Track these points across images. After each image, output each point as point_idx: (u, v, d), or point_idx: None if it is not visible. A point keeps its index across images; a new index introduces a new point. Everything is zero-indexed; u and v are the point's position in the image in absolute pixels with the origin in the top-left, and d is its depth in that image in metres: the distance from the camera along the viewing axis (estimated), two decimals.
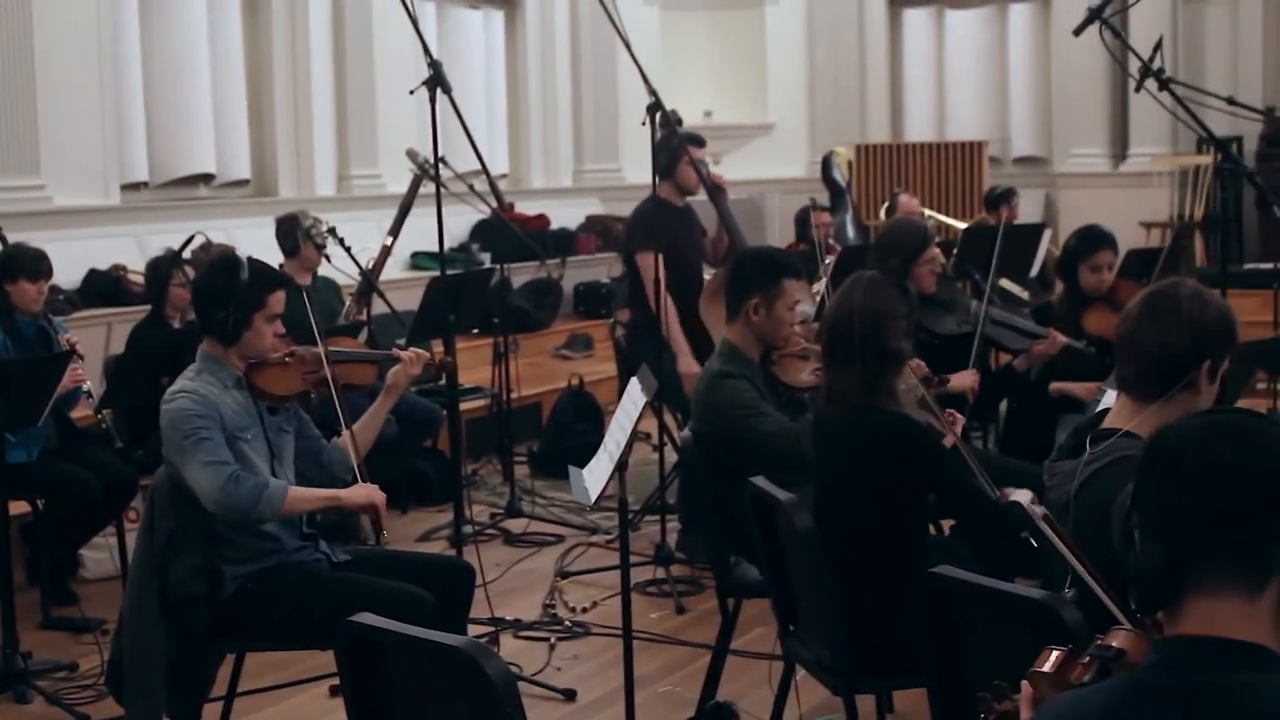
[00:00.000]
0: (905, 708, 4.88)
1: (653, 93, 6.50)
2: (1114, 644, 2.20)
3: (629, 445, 4.28)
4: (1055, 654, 2.28)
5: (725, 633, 5.01)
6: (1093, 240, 6.57)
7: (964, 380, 5.78)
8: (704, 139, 7.68)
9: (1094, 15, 5.12)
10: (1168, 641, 2.05)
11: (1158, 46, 5.17)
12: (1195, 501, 2.00)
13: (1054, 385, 6.20)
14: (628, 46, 6.43)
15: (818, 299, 7.22)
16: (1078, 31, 5.33)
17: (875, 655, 4.04)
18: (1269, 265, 10.85)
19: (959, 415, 4.97)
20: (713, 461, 5.01)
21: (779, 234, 13.29)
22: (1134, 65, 5.34)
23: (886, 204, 11.00)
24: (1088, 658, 2.23)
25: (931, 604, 3.28)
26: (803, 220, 10.49)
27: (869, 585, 4.10)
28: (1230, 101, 5.71)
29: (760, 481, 4.25)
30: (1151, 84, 5.26)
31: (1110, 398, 4.81)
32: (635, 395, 4.34)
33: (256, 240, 8.13)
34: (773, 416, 5.03)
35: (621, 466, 4.26)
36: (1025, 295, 9.54)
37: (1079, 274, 6.50)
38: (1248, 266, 12.48)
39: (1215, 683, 1.97)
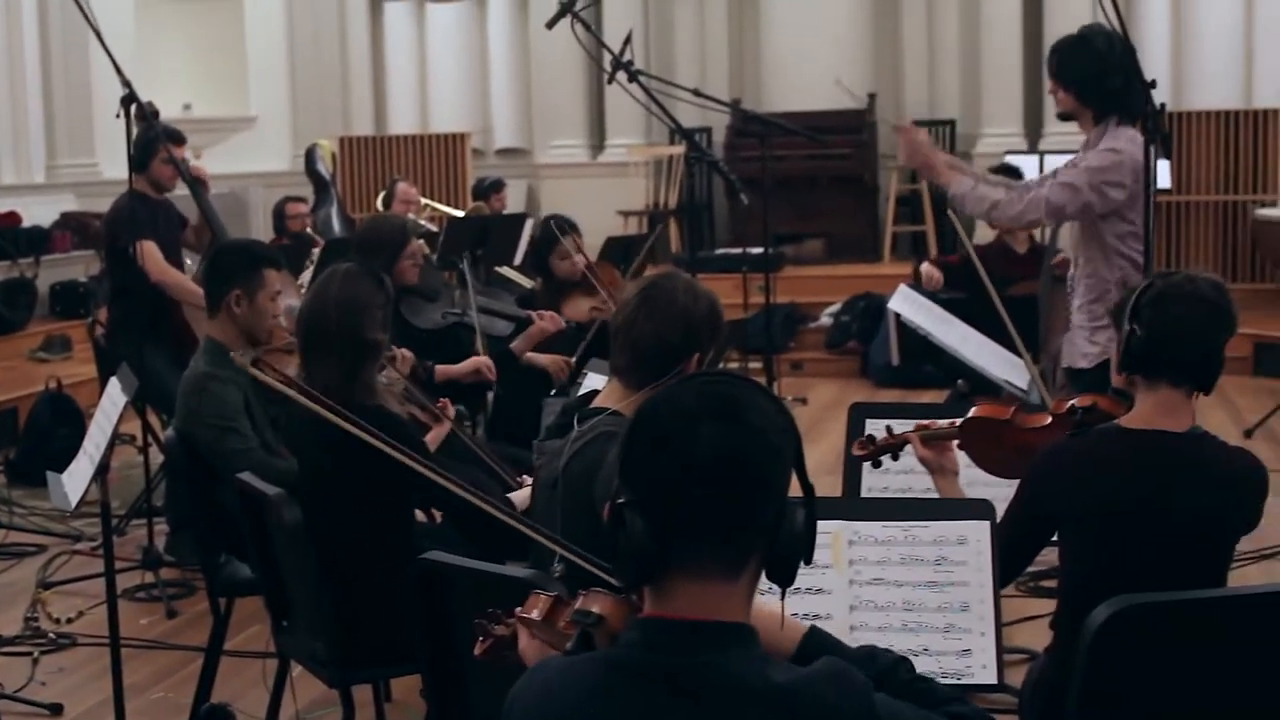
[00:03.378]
0: (403, 696, 4.91)
1: (126, 84, 6.29)
2: (594, 609, 2.21)
3: (110, 447, 4.15)
4: (542, 600, 2.32)
5: (217, 634, 4.90)
6: (556, 229, 6.75)
7: (471, 365, 5.84)
8: (183, 135, 7.52)
9: (565, 9, 5.25)
10: (650, 622, 2.07)
11: (627, 40, 5.36)
12: (686, 487, 2.01)
13: (527, 355, 6.32)
14: (99, 36, 6.22)
15: (303, 292, 7.17)
16: (550, 24, 5.46)
17: (369, 645, 4.05)
18: (738, 250, 11.42)
19: (449, 403, 5.03)
20: (199, 461, 4.90)
21: (262, 228, 13.08)
22: (606, 59, 5.52)
23: (384, 192, 10.99)
24: (571, 614, 2.26)
25: (421, 590, 3.31)
26: (279, 214, 10.42)
27: (359, 576, 4.09)
28: (697, 93, 5.97)
29: (247, 477, 4.19)
30: (623, 77, 5.44)
31: (594, 380, 4.99)
32: (115, 396, 4.22)
33: None
34: (244, 433, 4.91)
35: (103, 470, 4.13)
36: (529, 283, 9.73)
37: (550, 264, 6.68)
38: (719, 252, 13.10)
39: (697, 662, 2.01)
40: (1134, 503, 3.22)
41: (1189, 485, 3.23)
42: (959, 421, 3.70)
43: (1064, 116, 5.35)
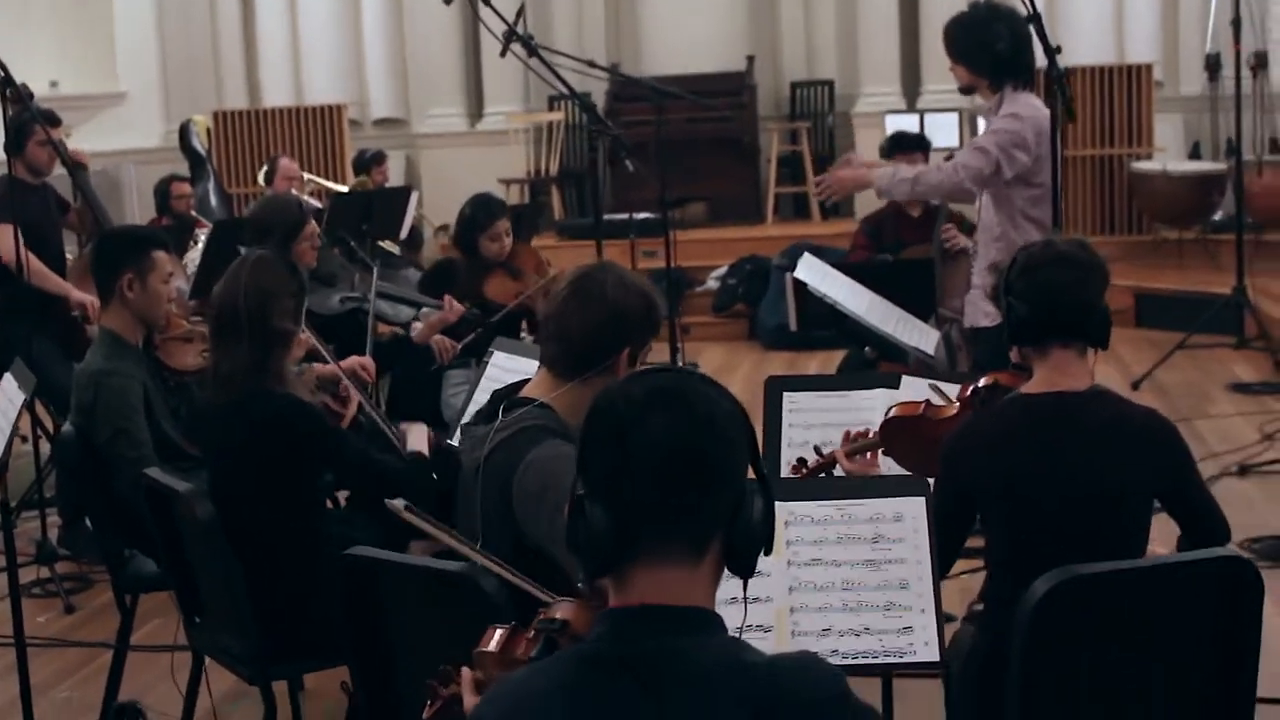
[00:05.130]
0: (316, 686, 4.84)
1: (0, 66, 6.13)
2: (558, 615, 2.21)
3: (9, 445, 4.04)
4: (499, 632, 2.29)
5: (125, 631, 4.81)
6: (489, 211, 6.68)
7: (349, 365, 5.73)
8: (59, 117, 7.34)
9: None
10: (615, 612, 2.08)
11: (520, 11, 5.30)
12: (644, 475, 2.03)
13: (435, 339, 6.24)
14: None
15: (191, 275, 7.03)
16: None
17: (287, 640, 3.99)
18: (623, 216, 11.37)
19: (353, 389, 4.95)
20: (99, 458, 4.78)
21: (137, 206, 12.84)
22: (500, 31, 5.45)
23: (265, 168, 10.80)
24: (533, 632, 2.24)
25: (349, 584, 3.26)
26: (163, 193, 10.21)
27: (274, 569, 4.03)
28: (592, 64, 5.91)
29: (155, 473, 4.10)
30: (517, 47, 5.38)
31: (500, 358, 4.94)
32: (11, 394, 4.10)
33: None
34: (136, 438, 4.79)
35: (1, 470, 4.02)
36: (399, 253, 9.66)
37: (479, 244, 6.60)
38: (606, 218, 13.01)
39: (663, 649, 2.01)
40: (1044, 466, 3.26)
41: (1091, 442, 3.27)
42: (878, 426, 3.74)
43: (965, 90, 5.42)
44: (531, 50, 5.23)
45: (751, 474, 2.13)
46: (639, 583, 2.06)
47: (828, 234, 12.22)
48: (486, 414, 3.35)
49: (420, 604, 3.17)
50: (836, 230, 12.32)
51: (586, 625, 2.15)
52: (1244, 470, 7.01)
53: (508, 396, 3.34)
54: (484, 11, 5.22)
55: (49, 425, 6.83)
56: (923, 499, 3.06)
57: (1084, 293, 3.38)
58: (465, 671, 2.27)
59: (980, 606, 5.01)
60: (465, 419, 4.81)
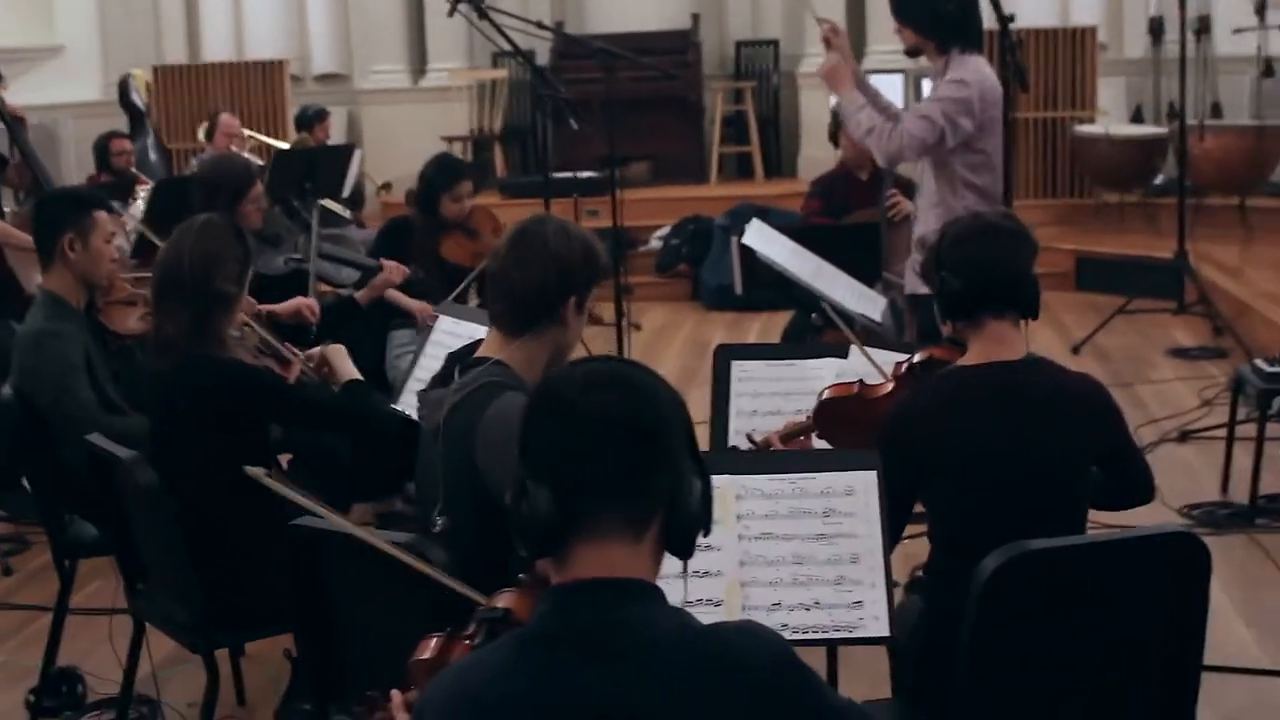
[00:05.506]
0: (257, 651, 4.81)
1: None
2: (499, 604, 2.20)
3: None
4: (435, 640, 2.26)
5: (64, 595, 4.76)
6: (453, 172, 6.67)
7: (293, 304, 5.68)
8: (1, 74, 7.24)
9: None
10: (556, 589, 2.08)
11: None
12: (585, 449, 2.05)
13: (389, 294, 6.21)
14: None
15: (133, 235, 6.95)
16: None
17: (231, 608, 3.96)
18: (568, 174, 11.33)
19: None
20: (39, 422, 4.72)
21: (75, 161, 12.70)
22: None
23: (206, 124, 10.69)
24: (473, 626, 2.22)
25: (294, 555, 3.24)
26: (102, 150, 10.09)
27: (218, 537, 3.99)
28: (540, 25, 5.87)
29: (97, 439, 4.05)
30: (464, 8, 5.34)
31: (445, 322, 4.91)
32: None
33: None
34: (79, 396, 4.73)
35: None
36: (346, 214, 9.58)
37: (441, 203, 6.56)
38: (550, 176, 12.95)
39: (607, 620, 2.02)
40: (991, 438, 3.26)
41: (1030, 410, 3.29)
42: (811, 410, 3.73)
43: (911, 53, 5.37)
44: (482, 13, 5.18)
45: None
46: (580, 559, 2.06)
47: (771, 194, 12.22)
48: (441, 377, 3.33)
49: (366, 575, 3.14)
50: (780, 190, 12.32)
51: (529, 611, 2.14)
52: (1184, 436, 7.06)
53: (461, 359, 3.32)
54: None
55: None
56: (874, 472, 3.05)
57: (1016, 264, 3.40)
58: (395, 695, 2.25)
59: (922, 574, 5.06)
60: (411, 382, 4.80)
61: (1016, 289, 3.39)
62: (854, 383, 3.77)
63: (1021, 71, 4.73)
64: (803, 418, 3.75)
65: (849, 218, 7.25)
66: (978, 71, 5.14)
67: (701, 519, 2.13)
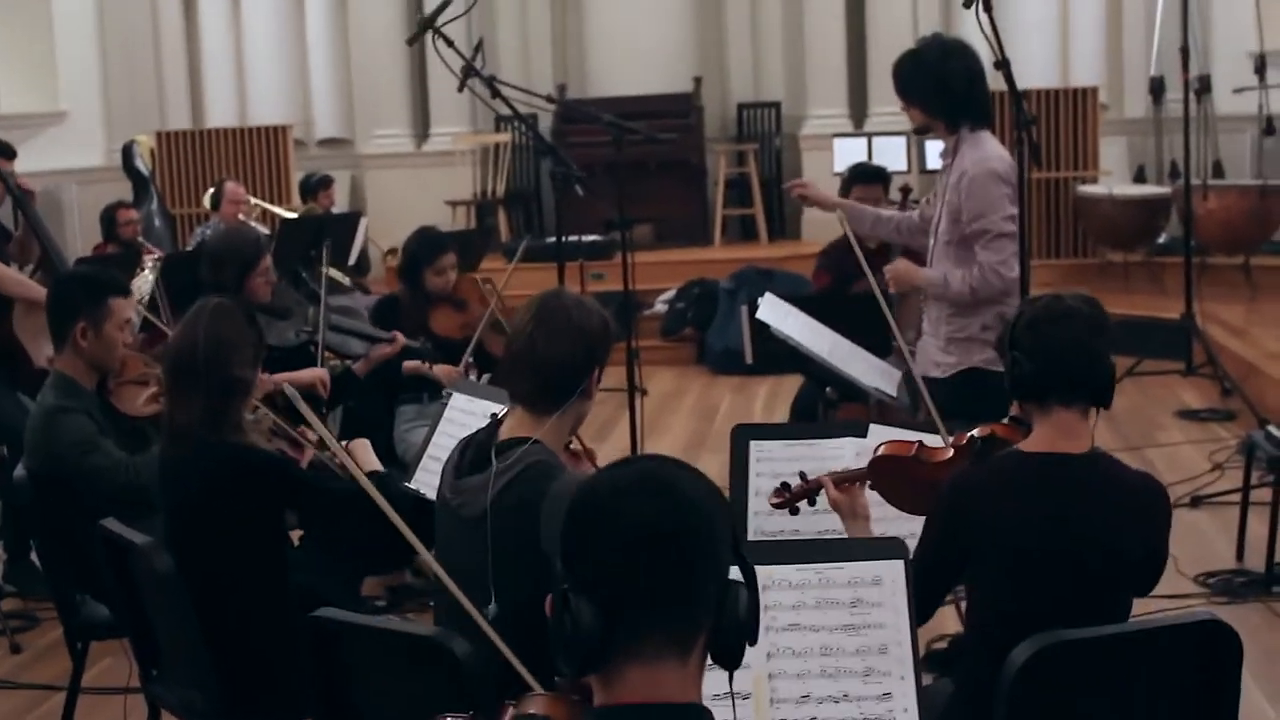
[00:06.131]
0: None
1: None
2: (534, 710, 2.15)
3: None
4: None
5: (76, 675, 4.73)
6: (434, 245, 6.59)
7: (310, 376, 5.65)
8: (13, 149, 7.24)
9: (427, 25, 5.16)
10: (603, 712, 2.02)
11: (478, 48, 5.27)
12: (619, 557, 2.00)
13: (407, 364, 6.18)
14: None
15: (143, 303, 6.94)
16: (410, 41, 5.36)
17: (247, 695, 3.92)
18: (572, 239, 11.33)
19: (306, 430, 4.88)
20: (52, 501, 4.70)
21: (80, 228, 12.69)
22: (458, 67, 5.43)
23: (211, 191, 10.71)
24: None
25: (316, 645, 3.21)
26: (109, 220, 10.10)
27: (235, 624, 3.95)
28: (549, 99, 5.90)
29: (112, 524, 4.03)
30: (474, 82, 5.36)
31: (459, 399, 4.89)
32: None
33: None
34: (107, 450, 4.75)
35: None
36: (348, 281, 9.58)
37: (423, 278, 6.53)
38: (550, 240, 12.97)
39: None
40: (1038, 528, 3.22)
41: (1088, 508, 3.24)
42: (868, 462, 3.70)
43: (920, 130, 5.32)
44: (495, 92, 5.21)
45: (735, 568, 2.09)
46: (626, 680, 2.00)
47: (775, 256, 12.24)
48: (473, 464, 3.31)
49: (389, 667, 3.12)
50: (784, 253, 12.35)
51: None
52: (1196, 501, 7.03)
53: (491, 442, 3.30)
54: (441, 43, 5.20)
55: None
56: (901, 562, 3.02)
57: (1091, 350, 3.32)
58: None
59: (943, 645, 5.02)
60: (426, 460, 4.77)
61: (1089, 378, 3.32)
62: (913, 443, 3.73)
63: (1036, 149, 4.69)
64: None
65: (856, 286, 7.23)
66: (1001, 160, 4.99)
67: (750, 629, 2.08)
